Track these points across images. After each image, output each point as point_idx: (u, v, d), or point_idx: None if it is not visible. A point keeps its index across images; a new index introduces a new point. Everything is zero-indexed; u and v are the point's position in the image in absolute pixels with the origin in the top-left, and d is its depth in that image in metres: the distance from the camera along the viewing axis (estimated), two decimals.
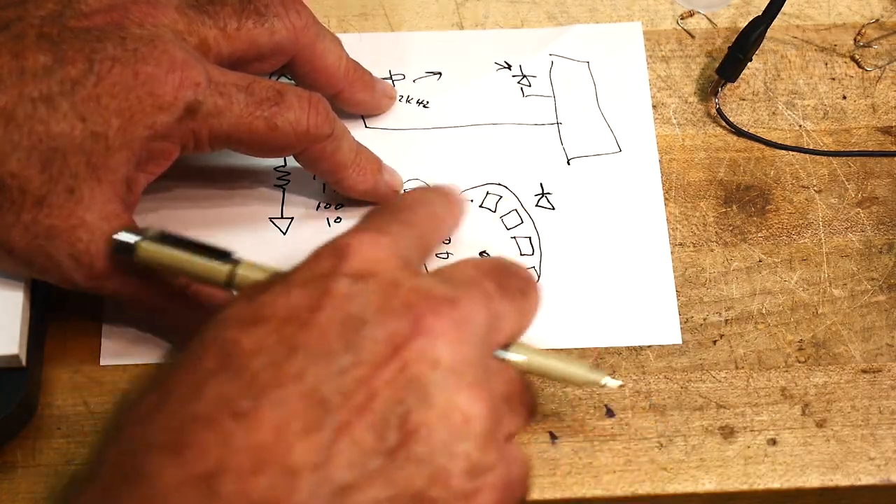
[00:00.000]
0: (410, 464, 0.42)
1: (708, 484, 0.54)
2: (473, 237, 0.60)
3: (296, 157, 0.57)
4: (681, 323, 0.58)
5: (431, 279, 0.45)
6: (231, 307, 0.44)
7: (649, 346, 0.57)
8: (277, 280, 0.44)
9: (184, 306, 0.54)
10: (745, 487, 0.54)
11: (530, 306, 0.48)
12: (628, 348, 0.57)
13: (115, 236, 0.50)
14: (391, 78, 0.65)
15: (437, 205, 0.51)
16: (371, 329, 0.43)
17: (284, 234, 0.60)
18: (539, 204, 0.61)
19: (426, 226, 0.50)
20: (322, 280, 0.44)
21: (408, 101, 0.64)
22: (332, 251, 0.45)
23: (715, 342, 0.57)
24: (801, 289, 0.59)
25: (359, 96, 0.62)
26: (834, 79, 0.65)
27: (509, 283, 0.47)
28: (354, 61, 0.61)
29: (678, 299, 0.58)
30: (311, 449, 0.40)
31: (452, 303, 0.44)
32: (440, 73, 0.65)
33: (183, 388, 0.42)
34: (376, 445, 0.41)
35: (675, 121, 0.64)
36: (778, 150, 0.63)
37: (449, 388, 0.43)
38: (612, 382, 0.50)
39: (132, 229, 0.51)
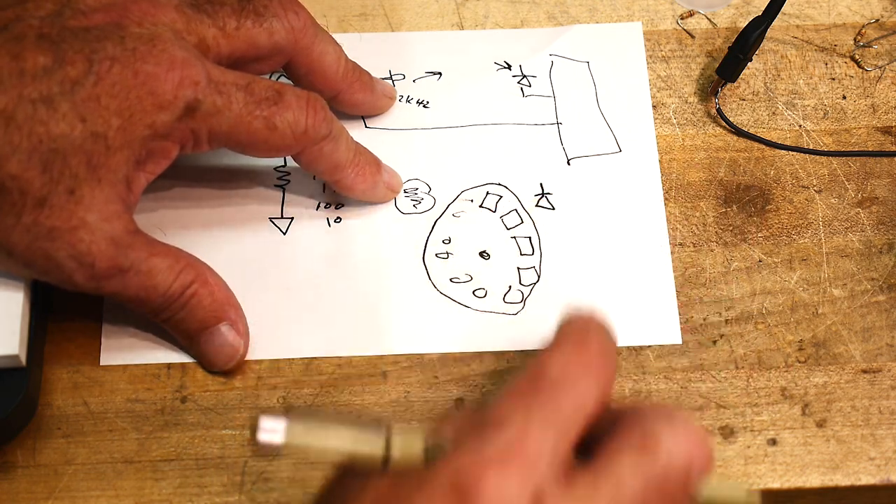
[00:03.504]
0: None
1: None
2: (473, 237, 0.60)
3: (294, 158, 0.57)
4: (681, 323, 0.58)
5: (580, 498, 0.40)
6: None
7: (649, 346, 0.57)
8: None
9: (183, 308, 0.54)
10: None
11: None
12: (628, 348, 0.57)
13: (262, 424, 0.41)
14: (391, 78, 0.65)
15: (591, 373, 0.43)
16: None
17: (284, 234, 0.60)
18: (539, 204, 0.61)
19: (570, 416, 0.42)
20: None
21: (408, 101, 0.64)
22: (453, 493, 0.39)
23: (715, 342, 0.57)
24: (801, 289, 0.59)
25: (358, 97, 0.62)
26: (834, 79, 0.65)
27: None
28: (353, 62, 0.61)
29: (678, 299, 0.58)
30: None
31: None
32: (440, 73, 0.65)
33: None
34: None
35: (675, 121, 0.64)
36: (778, 150, 0.63)
37: None
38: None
39: (275, 415, 0.42)
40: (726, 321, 0.58)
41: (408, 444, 0.41)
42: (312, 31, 0.58)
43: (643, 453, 0.41)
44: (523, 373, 0.42)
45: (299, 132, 0.55)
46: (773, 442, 0.55)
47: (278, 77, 0.64)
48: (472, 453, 0.39)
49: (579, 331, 0.44)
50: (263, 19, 0.56)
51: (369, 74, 0.62)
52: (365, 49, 0.65)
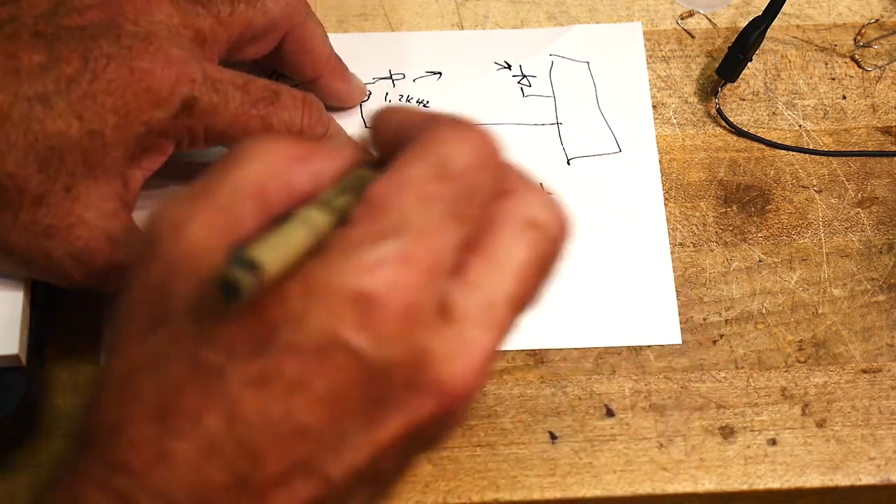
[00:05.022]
0: None
1: (708, 484, 0.54)
2: None
3: None
4: (681, 323, 0.58)
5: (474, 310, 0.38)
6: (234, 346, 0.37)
7: (649, 346, 0.57)
8: (288, 323, 0.36)
9: None
10: (745, 487, 0.54)
11: None
12: (628, 348, 0.57)
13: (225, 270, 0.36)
14: (391, 78, 0.65)
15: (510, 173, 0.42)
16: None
17: None
18: None
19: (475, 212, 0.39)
20: (338, 348, 0.36)
21: (408, 101, 0.64)
22: (353, 303, 0.36)
23: (715, 342, 0.57)
24: (801, 289, 0.59)
25: (336, 85, 0.62)
26: (834, 79, 0.65)
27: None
28: (336, 53, 0.61)
29: (678, 299, 0.58)
30: None
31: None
32: (440, 73, 0.65)
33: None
34: None
35: (675, 121, 0.64)
36: (778, 150, 0.63)
37: None
38: None
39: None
40: (726, 321, 0.58)
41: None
42: (306, 8, 0.58)
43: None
44: (418, 159, 0.39)
45: (295, 132, 0.55)
46: (773, 442, 0.55)
47: (277, 79, 0.64)
48: (366, 255, 0.37)
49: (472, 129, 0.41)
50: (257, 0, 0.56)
51: (346, 67, 0.62)
52: (365, 49, 0.65)
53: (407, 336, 0.36)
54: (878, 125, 0.64)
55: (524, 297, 0.39)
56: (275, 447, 0.36)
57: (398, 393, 0.37)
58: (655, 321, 0.58)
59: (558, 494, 0.54)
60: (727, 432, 0.55)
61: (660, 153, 0.63)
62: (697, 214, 0.61)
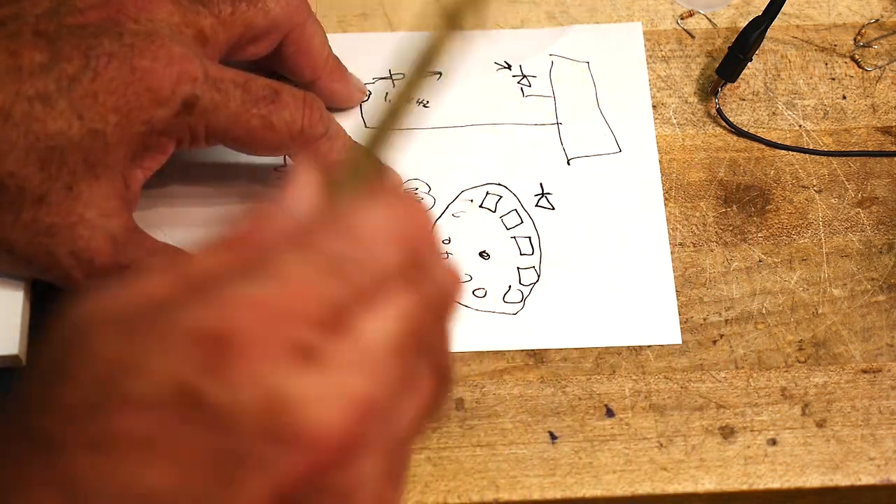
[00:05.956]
0: None
1: (708, 484, 0.54)
2: (473, 237, 0.60)
3: (291, 158, 0.57)
4: (681, 323, 0.58)
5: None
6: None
7: (649, 346, 0.57)
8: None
9: None
10: (745, 487, 0.54)
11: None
12: (628, 348, 0.57)
13: None
14: (391, 78, 0.65)
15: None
16: None
17: None
18: (539, 204, 0.61)
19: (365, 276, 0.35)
20: (182, 395, 0.32)
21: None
22: (197, 343, 0.32)
23: (715, 342, 0.57)
24: (801, 289, 0.59)
25: (335, 86, 0.62)
26: (834, 79, 0.65)
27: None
28: (334, 53, 0.61)
29: (678, 299, 0.58)
30: None
31: None
32: (440, 73, 0.65)
33: None
34: None
35: (675, 121, 0.64)
36: (778, 150, 0.63)
37: None
38: None
39: None
40: (726, 321, 0.58)
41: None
42: (306, 9, 0.59)
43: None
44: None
45: (296, 131, 0.55)
46: (773, 442, 0.55)
47: (278, 78, 0.64)
48: (218, 291, 0.33)
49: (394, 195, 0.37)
50: (259, 0, 0.56)
51: (345, 67, 0.62)
52: (365, 49, 0.65)
53: (261, 380, 0.32)
54: (878, 125, 0.64)
55: (412, 343, 0.35)
56: None
57: (257, 446, 0.32)
58: (655, 321, 0.58)
59: (558, 494, 0.54)
60: (727, 432, 0.55)
61: (660, 153, 0.63)
62: (697, 214, 0.61)
